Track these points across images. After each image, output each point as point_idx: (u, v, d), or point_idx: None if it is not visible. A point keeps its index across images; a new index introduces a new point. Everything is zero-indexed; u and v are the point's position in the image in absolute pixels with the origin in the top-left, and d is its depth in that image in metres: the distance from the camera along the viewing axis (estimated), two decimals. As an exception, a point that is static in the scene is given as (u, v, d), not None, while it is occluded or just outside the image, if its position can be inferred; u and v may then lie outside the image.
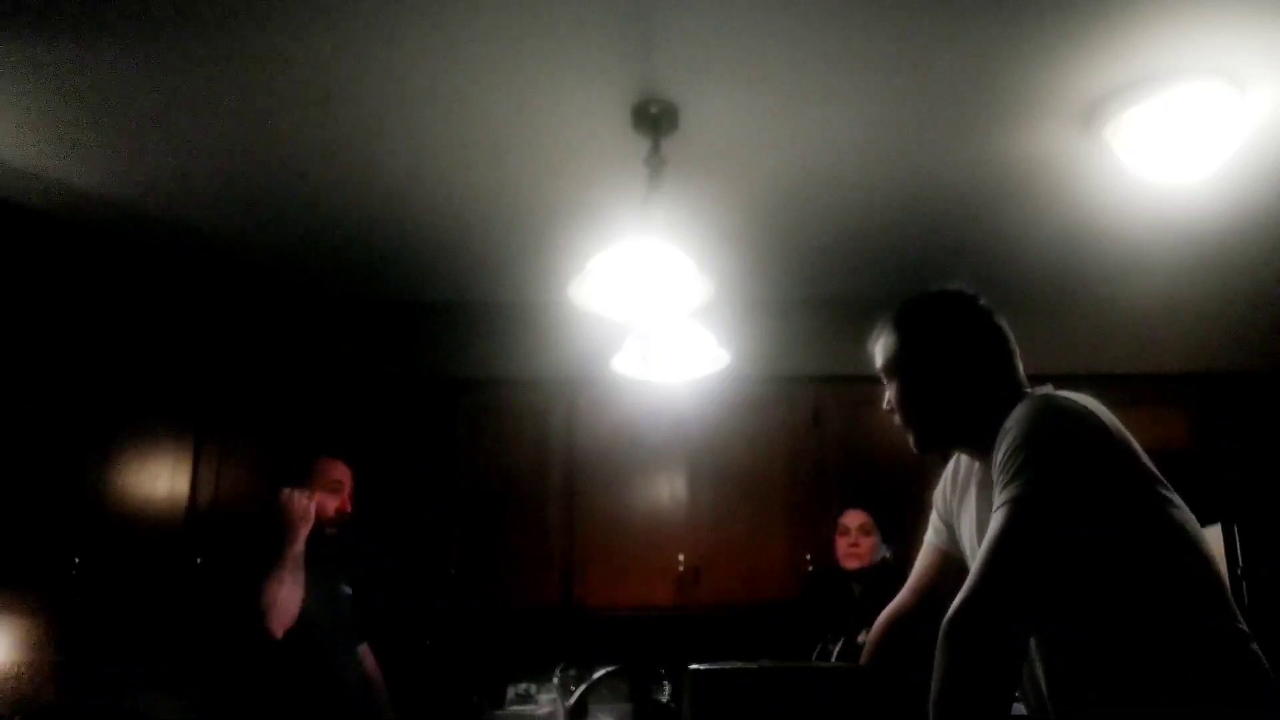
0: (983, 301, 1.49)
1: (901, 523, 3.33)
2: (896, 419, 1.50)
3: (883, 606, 1.65)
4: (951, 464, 1.57)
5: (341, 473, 2.93)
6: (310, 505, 2.79)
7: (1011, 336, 1.48)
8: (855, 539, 3.22)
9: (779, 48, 2.32)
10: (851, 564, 3.21)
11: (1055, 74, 2.43)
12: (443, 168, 2.92)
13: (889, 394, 1.51)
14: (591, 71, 2.42)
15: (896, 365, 1.48)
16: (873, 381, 1.56)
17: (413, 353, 4.04)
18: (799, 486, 3.78)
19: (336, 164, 2.89)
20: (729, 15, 2.20)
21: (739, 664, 1.51)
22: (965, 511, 1.49)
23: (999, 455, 1.26)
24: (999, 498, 1.21)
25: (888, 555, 3.20)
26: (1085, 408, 1.27)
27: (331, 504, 2.88)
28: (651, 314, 2.58)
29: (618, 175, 2.83)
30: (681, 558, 3.70)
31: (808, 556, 3.61)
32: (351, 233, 3.40)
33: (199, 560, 3.36)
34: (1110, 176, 2.92)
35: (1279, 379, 3.85)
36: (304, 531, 2.76)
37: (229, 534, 3.29)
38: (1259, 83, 2.45)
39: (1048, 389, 1.38)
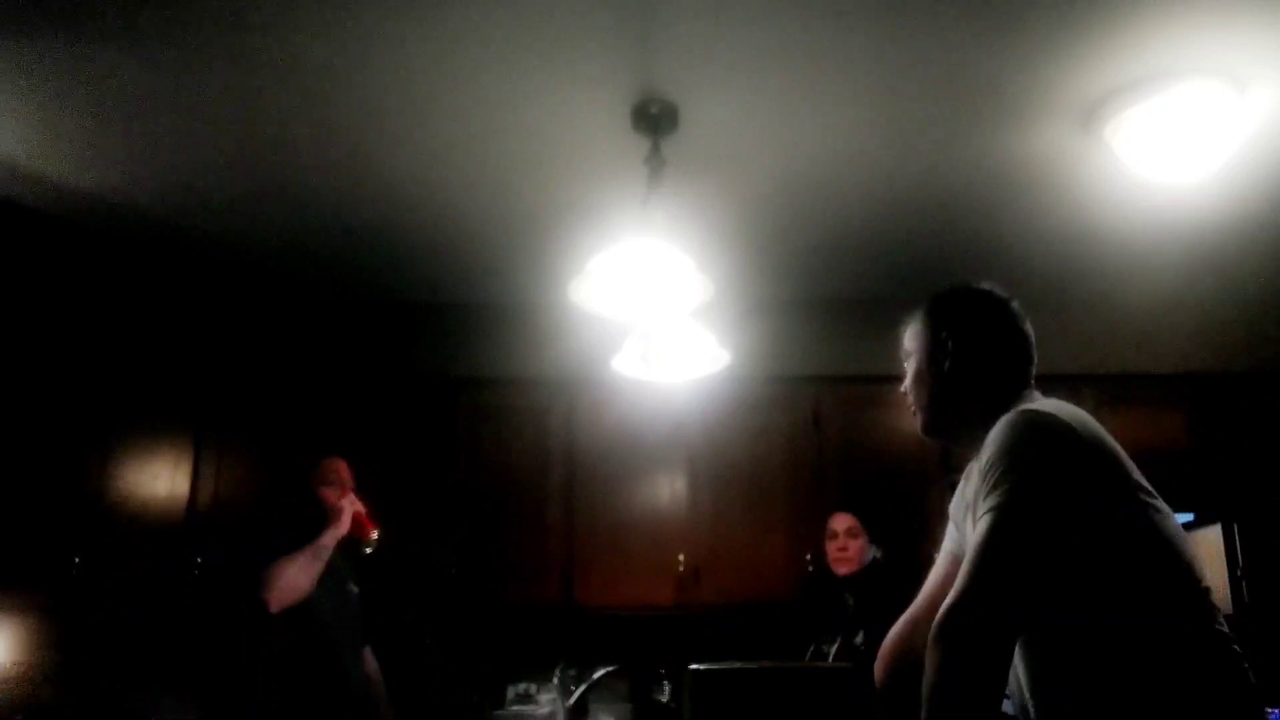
0: (1014, 305, 1.53)
1: (898, 522, 3.36)
2: (909, 400, 1.56)
3: (877, 607, 1.65)
4: (965, 473, 1.59)
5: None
6: (349, 512, 2.83)
7: (1033, 344, 1.51)
8: (843, 543, 3.22)
9: (779, 48, 2.32)
10: (842, 569, 3.21)
11: (1055, 74, 2.44)
12: (443, 168, 2.92)
13: (907, 374, 1.57)
14: (591, 71, 2.42)
15: (916, 346, 1.54)
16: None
17: (413, 353, 4.04)
18: (799, 487, 3.77)
19: (336, 164, 2.89)
20: (729, 15, 2.20)
21: (739, 664, 1.51)
22: (968, 521, 1.50)
23: (980, 470, 1.30)
24: (981, 507, 1.25)
25: (878, 555, 3.20)
26: (1057, 418, 1.28)
27: (371, 529, 2.92)
28: (651, 314, 2.58)
29: (618, 175, 2.83)
30: (681, 558, 3.70)
31: (808, 557, 3.60)
32: (351, 233, 3.39)
33: (199, 560, 3.37)
34: (1110, 176, 2.92)
35: (1279, 379, 3.85)
36: (340, 530, 2.78)
37: (249, 519, 3.32)
38: (1259, 83, 2.45)
39: (1033, 399, 1.41)
